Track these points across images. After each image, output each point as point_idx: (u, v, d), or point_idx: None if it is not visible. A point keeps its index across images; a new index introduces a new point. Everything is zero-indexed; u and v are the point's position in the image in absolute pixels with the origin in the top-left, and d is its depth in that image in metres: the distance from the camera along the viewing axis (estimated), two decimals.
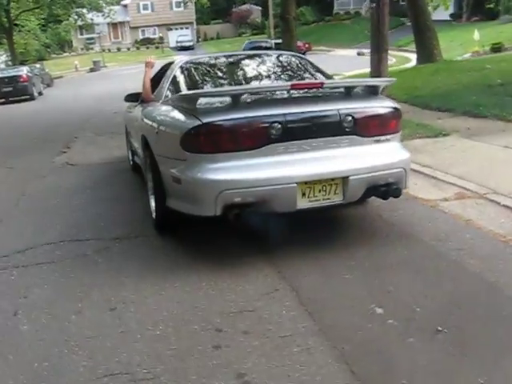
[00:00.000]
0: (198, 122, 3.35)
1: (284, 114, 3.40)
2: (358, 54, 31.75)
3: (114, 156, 7.80)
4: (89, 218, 4.84)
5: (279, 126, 3.38)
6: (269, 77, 4.56)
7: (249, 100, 3.62)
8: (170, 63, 4.98)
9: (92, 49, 49.35)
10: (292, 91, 3.68)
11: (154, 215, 4.32)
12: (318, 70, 4.68)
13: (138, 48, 53.62)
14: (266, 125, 3.37)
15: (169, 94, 4.32)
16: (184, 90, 4.16)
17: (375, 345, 2.58)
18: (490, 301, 2.96)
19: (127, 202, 5.30)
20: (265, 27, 52.66)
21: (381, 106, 3.74)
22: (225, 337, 2.69)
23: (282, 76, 4.60)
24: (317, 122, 3.50)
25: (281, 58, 4.92)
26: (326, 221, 4.28)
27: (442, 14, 41.62)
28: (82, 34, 49.91)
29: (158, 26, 54.69)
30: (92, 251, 3.97)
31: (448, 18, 39.32)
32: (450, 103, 9.05)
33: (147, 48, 52.93)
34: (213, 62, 4.75)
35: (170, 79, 4.42)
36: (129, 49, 53.42)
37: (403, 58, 27.78)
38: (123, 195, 5.58)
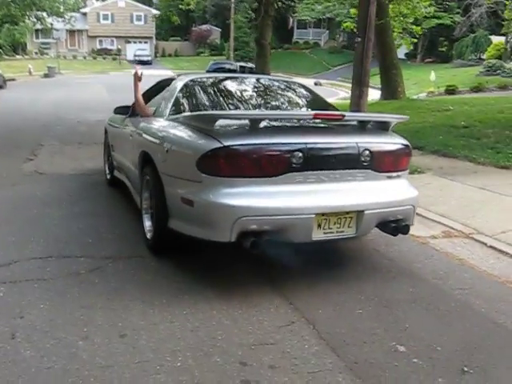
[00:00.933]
0: (217, 144, 3.26)
1: (305, 143, 3.37)
2: (316, 83, 32.51)
3: (86, 167, 7.53)
4: (73, 232, 4.59)
5: (300, 154, 3.34)
6: (277, 102, 4.53)
7: (268, 125, 3.57)
8: (169, 80, 4.86)
9: (47, 54, 47.96)
10: (311, 120, 3.66)
11: (148, 235, 4.16)
12: (322, 99, 4.71)
13: (94, 58, 52.58)
14: (288, 153, 3.32)
15: (174, 111, 4.19)
16: (194, 110, 4.06)
17: None
18: (503, 342, 3.00)
19: (110, 218, 5.09)
20: (223, 49, 53.14)
21: (395, 143, 3.78)
22: (251, 371, 2.58)
23: (291, 102, 4.57)
24: (337, 153, 3.49)
25: (283, 84, 4.92)
26: (325, 252, 4.26)
27: (397, 52, 43.68)
28: (37, 38, 48.51)
29: (116, 37, 53.82)
30: (85, 270, 3.74)
31: (403, 57, 41.07)
32: (418, 141, 9.31)
33: (104, 58, 52.00)
34: (217, 82, 4.67)
35: (175, 97, 4.30)
36: (85, 57, 52.28)
37: None
38: (104, 211, 5.35)
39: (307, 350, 2.80)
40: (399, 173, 3.79)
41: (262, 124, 3.49)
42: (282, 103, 4.52)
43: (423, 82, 27.45)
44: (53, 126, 11.90)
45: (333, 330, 3.02)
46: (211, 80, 4.66)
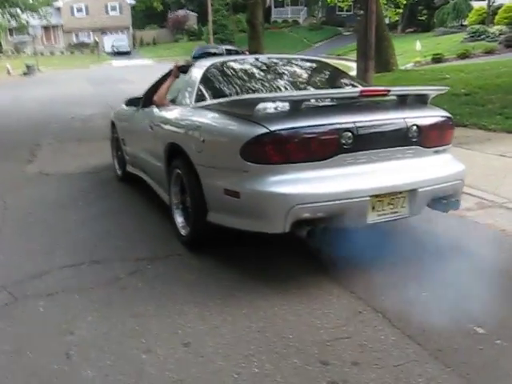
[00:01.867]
0: (263, 130, 3.04)
1: (354, 122, 3.17)
2: None
3: (91, 165, 7.23)
4: (98, 235, 4.36)
5: (350, 134, 3.14)
6: (307, 83, 4.30)
7: (312, 106, 3.36)
8: (186, 66, 4.61)
9: (24, 52, 46.83)
10: (356, 98, 3.45)
11: (183, 232, 3.95)
12: (347, 74, 4.50)
13: (72, 52, 51.47)
14: (337, 134, 3.12)
15: (200, 98, 3.95)
16: (222, 96, 3.82)
17: (499, 368, 2.39)
18: None
19: (134, 216, 4.86)
20: (202, 33, 52.31)
21: (439, 116, 3.60)
22: (335, 370, 2.40)
23: (322, 80, 4.35)
24: (386, 131, 3.29)
25: (307, 64, 4.69)
26: (368, 237, 4.06)
27: None
28: (11, 36, 47.30)
29: (92, 29, 52.64)
30: (124, 275, 3.53)
31: None
32: None
33: (82, 52, 50.98)
34: (239, 65, 4.42)
35: (197, 83, 4.06)
36: (62, 53, 51.17)
37: (345, 66, 28.34)
38: (125, 209, 5.11)
39: (385, 341, 2.63)
40: (445, 147, 3.62)
41: (305, 105, 3.28)
42: (314, 82, 4.30)
43: (408, 53, 27.17)
44: (46, 124, 11.52)
45: (404, 317, 2.85)
46: (232, 63, 4.41)
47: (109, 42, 51.81)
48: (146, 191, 5.33)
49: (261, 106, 3.19)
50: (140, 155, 5.09)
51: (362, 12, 7.47)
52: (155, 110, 4.61)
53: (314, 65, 4.73)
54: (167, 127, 4.14)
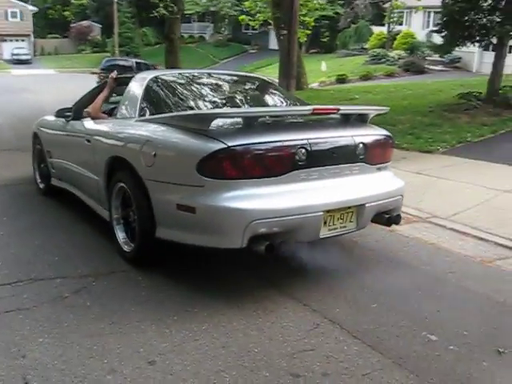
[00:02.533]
0: (220, 145, 3.05)
1: (308, 139, 3.28)
2: None
3: (6, 177, 6.73)
4: (32, 250, 4.09)
5: (304, 151, 3.25)
6: (250, 99, 4.36)
7: (266, 123, 3.43)
8: (126, 77, 4.51)
9: None
10: (306, 116, 3.56)
11: (126, 248, 3.84)
12: (287, 92, 4.64)
13: None
14: (293, 150, 3.21)
15: (145, 112, 3.88)
16: (169, 110, 3.78)
17: (459, 373, 2.58)
18: None
19: (66, 231, 4.61)
20: (105, 45, 50.99)
21: (381, 134, 3.81)
22: (308, 382, 2.45)
23: (264, 98, 4.42)
24: (336, 148, 3.44)
25: (245, 79, 4.77)
26: (308, 251, 4.17)
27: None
28: None
29: None
30: (69, 293, 3.35)
31: None
32: None
33: None
34: (182, 79, 4.40)
35: (141, 96, 3.98)
36: None
37: None
38: (54, 223, 4.84)
39: (348, 352, 2.73)
40: (386, 164, 3.84)
41: (259, 122, 3.34)
42: (255, 97, 4.37)
43: (313, 72, 28.32)
44: None
45: (361, 328, 2.97)
46: (172, 77, 4.38)
47: (8, 49, 48.81)
48: (74, 205, 5.11)
49: (217, 121, 3.21)
50: (71, 168, 4.87)
51: (284, 32, 7.70)
52: (91, 122, 4.45)
53: (253, 81, 4.82)
54: (109, 140, 4.00)
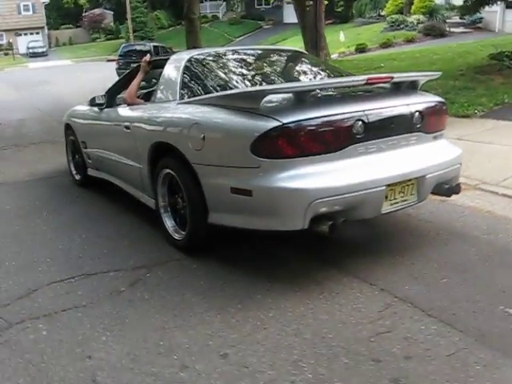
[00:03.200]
0: (275, 123, 2.89)
1: (364, 111, 3.09)
2: None
3: (42, 171, 6.71)
4: (79, 244, 4.03)
5: (361, 123, 3.07)
6: (293, 73, 4.17)
7: (319, 96, 3.25)
8: (160, 60, 4.36)
9: None
10: (360, 87, 3.37)
11: (177, 236, 3.74)
12: (327, 63, 4.44)
13: None
14: (350, 122, 3.04)
15: (186, 94, 3.73)
16: (211, 90, 3.62)
17: None
18: None
19: (111, 222, 4.53)
20: (119, 32, 50.85)
21: (435, 101, 3.61)
22: (391, 367, 2.32)
23: (310, 71, 4.23)
24: (393, 118, 3.26)
25: (284, 54, 4.57)
26: (365, 228, 4.01)
27: (295, 17, 44.04)
28: None
29: (5, 31, 49.34)
30: (125, 286, 3.27)
31: None
32: None
33: None
34: (217, 59, 4.23)
35: (180, 78, 3.82)
36: None
37: None
38: (97, 215, 4.77)
39: (427, 332, 2.59)
40: (441, 132, 3.64)
41: (311, 95, 3.16)
42: (300, 71, 4.18)
43: (331, 43, 27.73)
44: None
45: (435, 305, 2.82)
46: (211, 57, 4.21)
47: (23, 43, 48.98)
48: (115, 195, 5.04)
49: (268, 98, 3.04)
50: (109, 158, 4.77)
51: (311, 2, 7.43)
52: (128, 108, 4.33)
53: (292, 54, 4.62)
54: (151, 126, 3.87)
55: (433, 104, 3.55)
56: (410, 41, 24.59)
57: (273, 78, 3.99)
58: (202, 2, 52.38)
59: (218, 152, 3.21)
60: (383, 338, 2.54)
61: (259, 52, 4.51)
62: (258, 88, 3.52)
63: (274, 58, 4.45)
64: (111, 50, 42.77)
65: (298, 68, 4.29)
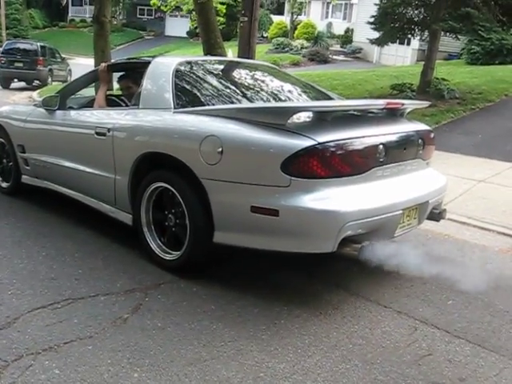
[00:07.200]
0: (310, 142, 2.82)
1: (385, 135, 3.15)
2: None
3: None
4: (42, 262, 3.54)
5: (382, 147, 3.12)
6: (286, 89, 4.09)
7: (342, 117, 3.24)
8: (136, 64, 4.07)
9: None
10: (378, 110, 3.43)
11: (166, 256, 3.47)
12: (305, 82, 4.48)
13: None
14: (375, 146, 3.07)
15: (183, 102, 3.50)
16: (208, 101, 3.46)
17: None
18: None
19: (68, 239, 4.00)
20: None
21: (428, 129, 3.79)
22: None
23: (296, 89, 4.16)
24: (406, 143, 3.37)
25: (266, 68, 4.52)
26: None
27: (179, 31, 43.77)
28: None
29: None
30: (128, 313, 2.93)
31: (184, 35, 41.64)
32: None
33: None
34: (208, 67, 4.04)
35: (173, 84, 3.56)
36: None
37: None
38: (50, 231, 4.17)
39: (463, 353, 2.68)
40: (431, 159, 3.81)
41: (335, 117, 3.14)
42: (285, 88, 4.10)
43: None
44: None
45: (456, 326, 2.94)
46: (202, 64, 4.02)
47: None
48: (62, 206, 4.57)
49: (297, 115, 2.96)
50: (62, 165, 4.30)
51: (245, 18, 7.46)
52: (104, 112, 3.98)
53: (268, 68, 4.57)
54: (140, 135, 3.56)
55: (428, 132, 3.72)
56: (295, 64, 25.64)
57: (267, 92, 3.91)
58: (82, 6, 50.08)
59: (239, 168, 3.04)
60: (429, 361, 2.58)
61: (247, 64, 4.40)
62: (287, 104, 3.42)
63: (257, 72, 4.33)
64: None
65: (280, 83, 4.21)
